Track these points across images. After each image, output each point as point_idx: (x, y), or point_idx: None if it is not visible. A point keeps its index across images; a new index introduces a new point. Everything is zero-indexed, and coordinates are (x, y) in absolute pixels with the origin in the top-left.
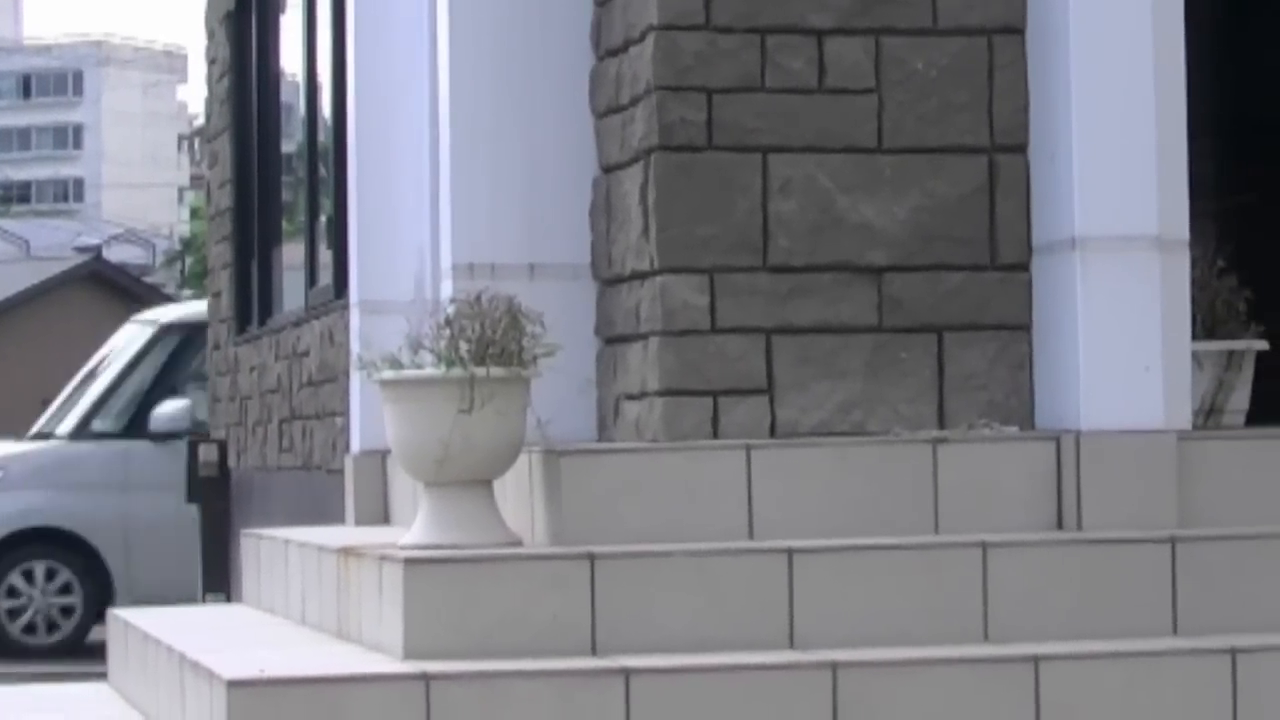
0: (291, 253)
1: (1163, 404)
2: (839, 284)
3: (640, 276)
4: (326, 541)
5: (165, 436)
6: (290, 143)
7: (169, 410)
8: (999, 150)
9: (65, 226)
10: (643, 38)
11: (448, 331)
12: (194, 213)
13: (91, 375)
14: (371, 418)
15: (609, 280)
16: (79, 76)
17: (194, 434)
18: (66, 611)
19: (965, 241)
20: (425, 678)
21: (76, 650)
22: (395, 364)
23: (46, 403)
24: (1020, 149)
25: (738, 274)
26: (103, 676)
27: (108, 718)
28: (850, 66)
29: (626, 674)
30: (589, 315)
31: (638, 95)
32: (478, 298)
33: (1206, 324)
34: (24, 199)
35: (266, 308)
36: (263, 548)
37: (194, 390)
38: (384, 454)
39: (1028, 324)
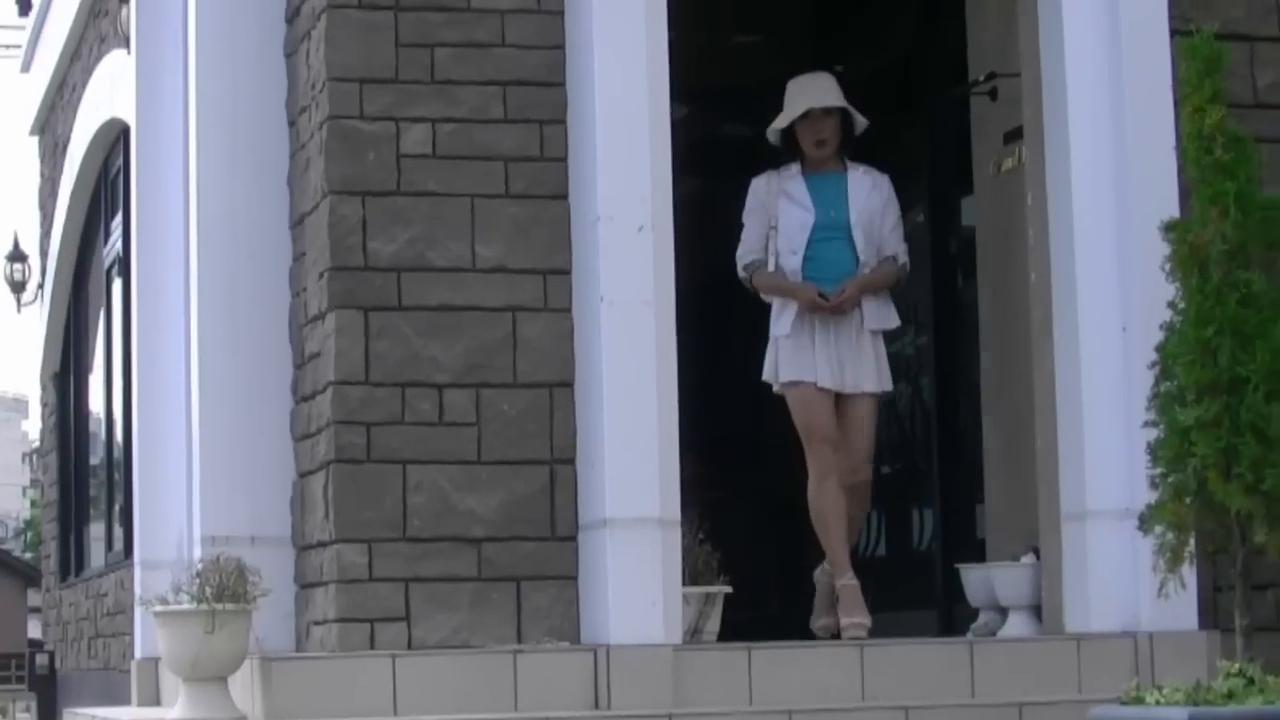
0: (96, 529)
1: (663, 627)
2: (453, 550)
3: (323, 545)
4: (120, 717)
5: None
6: (95, 458)
7: None
8: (557, 462)
9: None
10: (325, 389)
11: (198, 580)
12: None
13: None
14: (149, 636)
15: (303, 548)
16: None
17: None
18: None
19: (535, 521)
20: None
21: None
22: (164, 601)
23: None
24: (571, 461)
25: (386, 543)
26: None
27: None
28: (460, 408)
29: None
30: (290, 570)
31: (321, 427)
32: (217, 558)
33: (692, 575)
34: None
35: (80, 565)
36: None
37: None
38: (157, 660)
39: (576, 575)
